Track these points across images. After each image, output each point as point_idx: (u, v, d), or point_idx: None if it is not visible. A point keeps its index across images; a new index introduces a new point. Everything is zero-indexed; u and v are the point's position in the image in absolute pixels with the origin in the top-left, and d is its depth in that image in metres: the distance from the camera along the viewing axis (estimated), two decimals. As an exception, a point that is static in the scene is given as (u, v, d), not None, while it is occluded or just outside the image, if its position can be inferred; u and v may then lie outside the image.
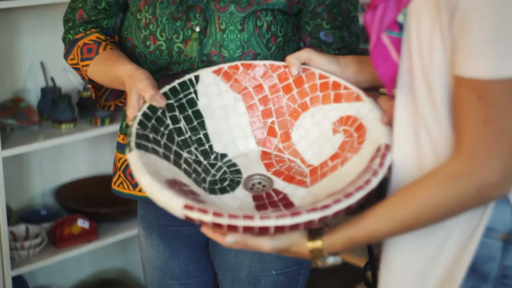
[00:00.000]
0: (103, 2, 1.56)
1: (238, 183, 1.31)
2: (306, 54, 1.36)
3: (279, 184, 1.31)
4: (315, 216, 1.08)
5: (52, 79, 2.56)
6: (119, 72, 1.42)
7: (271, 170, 1.34)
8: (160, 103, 1.30)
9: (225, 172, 1.33)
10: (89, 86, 1.59)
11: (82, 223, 2.51)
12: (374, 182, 1.14)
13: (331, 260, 1.17)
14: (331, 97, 1.34)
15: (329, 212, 1.09)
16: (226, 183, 1.30)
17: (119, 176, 1.62)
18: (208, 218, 1.08)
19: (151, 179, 1.13)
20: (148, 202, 1.61)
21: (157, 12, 1.47)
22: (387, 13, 1.13)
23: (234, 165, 1.35)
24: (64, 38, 1.62)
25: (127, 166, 1.58)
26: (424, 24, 1.08)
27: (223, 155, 1.36)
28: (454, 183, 1.07)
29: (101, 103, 1.64)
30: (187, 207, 1.10)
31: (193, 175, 1.29)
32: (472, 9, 1.02)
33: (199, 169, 1.31)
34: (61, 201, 2.67)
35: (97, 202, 2.67)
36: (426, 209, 1.09)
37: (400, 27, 1.13)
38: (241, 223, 1.07)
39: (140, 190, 1.58)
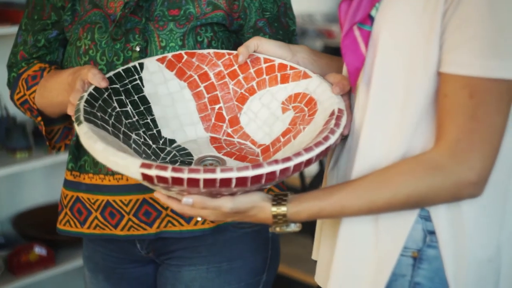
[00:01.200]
0: (42, 40, 1.56)
1: (189, 164, 1.30)
2: (255, 41, 1.36)
3: (232, 163, 1.30)
4: (277, 167, 1.07)
5: (5, 108, 2.57)
6: (63, 76, 1.43)
7: (221, 152, 1.34)
8: (101, 83, 1.29)
9: (175, 155, 1.33)
10: (40, 123, 1.57)
11: (39, 250, 2.51)
12: (332, 139, 1.14)
13: (291, 227, 1.16)
14: (278, 78, 1.36)
15: (290, 164, 1.08)
16: (177, 165, 1.27)
17: (66, 213, 1.57)
18: (168, 173, 1.05)
19: (105, 144, 1.11)
20: (95, 242, 1.61)
21: (96, 37, 1.48)
22: (362, 6, 1.15)
23: (184, 149, 1.35)
24: (8, 81, 1.61)
25: (75, 202, 1.55)
26: (404, 19, 1.11)
27: (172, 141, 1.36)
28: (432, 174, 1.08)
29: (51, 144, 1.63)
30: (144, 165, 1.07)
31: (143, 156, 1.28)
32: (472, 9, 1.04)
33: (149, 151, 1.31)
34: (18, 229, 2.66)
35: (55, 229, 2.66)
36: (400, 195, 1.10)
37: (372, 21, 1.16)
38: (202, 176, 1.05)
39: (88, 227, 1.54)
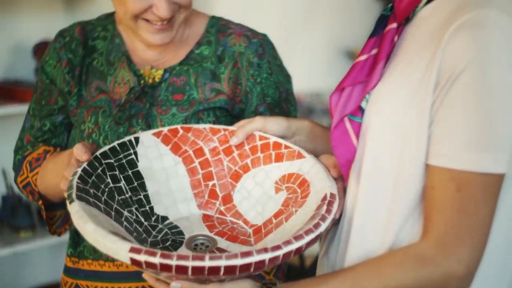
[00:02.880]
0: (48, 124, 1.57)
1: (180, 243, 1.29)
2: (257, 125, 1.36)
3: (223, 243, 1.29)
4: (266, 256, 1.06)
5: (11, 186, 2.57)
6: (63, 157, 1.43)
7: (213, 231, 1.32)
8: (82, 157, 1.28)
9: (166, 233, 1.31)
10: (41, 207, 1.56)
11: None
12: (323, 226, 1.13)
13: None
14: (272, 157, 1.35)
15: (279, 252, 1.07)
16: (168, 243, 1.28)
17: None
18: (156, 259, 1.04)
19: (95, 225, 1.11)
20: None
21: (100, 121, 1.49)
22: (352, 98, 1.17)
23: (176, 227, 1.33)
24: (13, 164, 1.61)
25: None
26: (393, 111, 1.12)
27: (164, 218, 1.35)
28: (421, 267, 1.07)
29: (51, 229, 1.62)
30: (133, 250, 1.06)
31: (135, 234, 1.27)
32: (458, 101, 1.05)
33: (140, 229, 1.30)
34: (21, 309, 2.64)
35: (58, 309, 2.63)
36: (389, 286, 1.08)
37: (363, 112, 1.16)
38: (190, 263, 1.04)
39: None
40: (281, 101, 1.54)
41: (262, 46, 1.54)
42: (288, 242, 1.09)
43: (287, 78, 1.58)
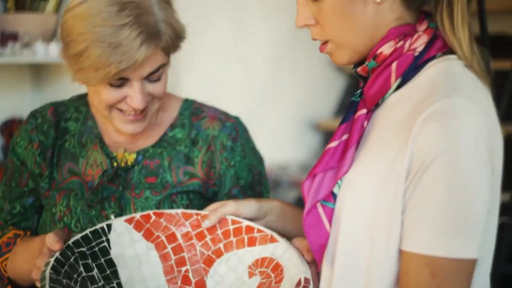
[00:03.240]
0: (18, 207, 1.56)
1: None
2: (229, 209, 1.36)
3: None
4: None
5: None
6: (34, 243, 1.41)
7: None
8: (55, 246, 1.27)
9: None
10: None
11: None
12: None
13: None
14: (245, 241, 1.35)
15: None
16: None
17: None
18: None
19: None
20: None
21: (71, 204, 1.48)
22: (324, 183, 1.18)
23: None
24: None
25: None
26: (366, 197, 1.13)
27: None
28: None
29: None
30: None
31: None
32: (431, 188, 1.07)
33: None
34: None
35: None
36: None
37: (335, 198, 1.17)
38: None
39: None
40: (254, 183, 1.56)
41: (236, 129, 1.56)
42: None
43: (260, 160, 1.60)
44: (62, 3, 2.50)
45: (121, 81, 1.42)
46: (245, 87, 3.30)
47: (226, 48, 3.22)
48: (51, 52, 2.38)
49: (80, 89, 2.46)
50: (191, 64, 2.94)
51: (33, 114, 1.60)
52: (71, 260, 1.29)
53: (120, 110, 1.46)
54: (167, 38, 1.43)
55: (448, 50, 1.16)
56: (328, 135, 3.63)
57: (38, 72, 2.70)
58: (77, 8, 1.42)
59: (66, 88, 2.54)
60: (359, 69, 1.20)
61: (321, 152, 3.66)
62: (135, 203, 1.47)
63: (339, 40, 1.18)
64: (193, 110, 1.58)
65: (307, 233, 1.19)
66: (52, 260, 1.26)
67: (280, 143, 3.49)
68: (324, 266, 1.20)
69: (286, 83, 3.48)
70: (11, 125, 2.62)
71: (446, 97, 1.08)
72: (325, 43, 1.20)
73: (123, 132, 1.50)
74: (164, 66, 1.46)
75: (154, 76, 1.45)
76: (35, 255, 1.38)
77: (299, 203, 3.43)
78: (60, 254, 1.28)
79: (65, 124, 1.57)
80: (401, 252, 1.11)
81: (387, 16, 1.16)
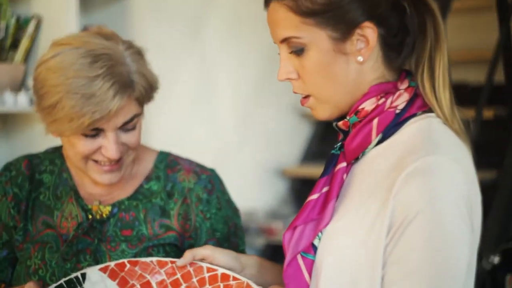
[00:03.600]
0: None
1: None
2: (205, 252, 1.36)
3: None
4: None
5: None
6: None
7: None
8: None
9: None
10: None
11: None
12: None
13: None
14: None
15: None
16: None
17: None
18: None
19: None
20: None
21: (46, 257, 1.47)
22: (305, 235, 1.18)
23: None
24: None
25: None
26: (346, 251, 1.14)
27: None
28: None
29: None
30: None
31: None
32: (410, 246, 1.08)
33: None
34: None
35: None
36: None
37: (315, 250, 1.18)
38: None
39: None
40: (229, 235, 1.57)
41: (211, 181, 1.57)
42: None
43: (235, 212, 1.61)
44: (30, 53, 2.51)
45: (95, 131, 1.43)
46: (212, 135, 3.32)
47: (192, 98, 3.25)
48: (19, 101, 2.37)
49: (48, 139, 2.45)
50: (158, 113, 2.95)
51: (7, 167, 1.59)
52: None
53: (96, 161, 1.47)
54: (140, 88, 1.45)
55: (428, 108, 1.18)
56: (294, 182, 3.65)
57: (5, 121, 2.69)
58: (50, 61, 1.44)
59: (34, 138, 2.54)
60: (340, 123, 1.22)
61: (287, 199, 3.69)
62: (111, 256, 1.47)
63: (320, 96, 1.20)
64: (168, 163, 1.59)
65: (287, 285, 1.19)
66: None
67: (247, 190, 3.51)
68: None
69: (252, 131, 3.51)
70: (-22, 175, 2.58)
71: (427, 155, 1.10)
72: (306, 97, 1.22)
73: (99, 183, 1.50)
74: (138, 116, 1.47)
75: (129, 125, 1.46)
76: None
77: (267, 249, 3.46)
78: None
79: (40, 176, 1.57)
80: None
81: (368, 75, 1.18)
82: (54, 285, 1.34)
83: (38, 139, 2.50)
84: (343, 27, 1.15)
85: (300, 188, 3.63)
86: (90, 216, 1.51)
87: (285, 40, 1.19)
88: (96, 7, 2.66)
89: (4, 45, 2.46)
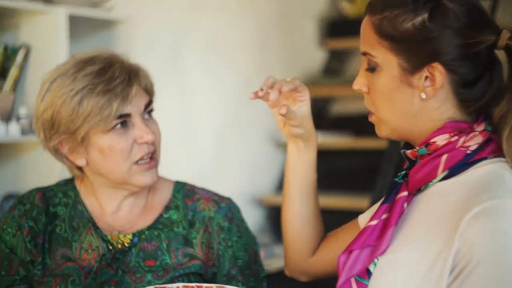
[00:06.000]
0: None
1: None
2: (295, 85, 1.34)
3: None
4: None
5: None
6: None
7: None
8: None
9: None
10: None
11: None
12: None
13: None
14: None
15: None
16: None
17: None
18: None
19: None
20: None
21: None
22: (360, 260, 1.19)
23: None
24: None
25: None
26: (404, 282, 1.14)
27: None
28: None
29: None
30: None
31: None
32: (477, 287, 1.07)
33: None
34: None
35: None
36: None
37: (369, 275, 1.18)
38: None
39: None
40: (250, 263, 1.57)
41: (231, 210, 1.58)
42: None
43: (254, 239, 1.61)
44: (19, 82, 2.47)
45: (123, 123, 1.47)
46: (188, 164, 3.32)
47: (170, 127, 3.24)
48: (10, 131, 2.34)
49: (39, 169, 2.43)
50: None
51: (20, 201, 1.56)
52: None
53: (136, 163, 1.48)
54: (144, 79, 1.53)
55: (500, 154, 1.18)
56: (271, 210, 3.66)
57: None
58: (51, 87, 1.49)
59: (22, 168, 2.49)
60: (408, 151, 1.23)
61: (265, 227, 3.67)
62: (137, 287, 1.45)
63: (380, 115, 1.23)
64: (186, 192, 1.59)
65: None
66: None
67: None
68: None
69: (230, 160, 3.51)
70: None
71: (497, 198, 1.10)
72: (372, 113, 1.25)
73: (140, 186, 1.51)
74: (152, 102, 1.55)
75: (150, 108, 1.53)
76: None
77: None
78: None
79: (54, 209, 1.55)
80: None
81: (433, 113, 1.19)
82: None
83: (28, 169, 2.46)
84: (414, 61, 1.17)
85: (277, 217, 3.61)
86: (111, 247, 1.50)
87: (364, 54, 1.22)
88: (83, 35, 2.65)
89: (-8, 75, 2.43)
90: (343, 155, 3.65)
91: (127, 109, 1.47)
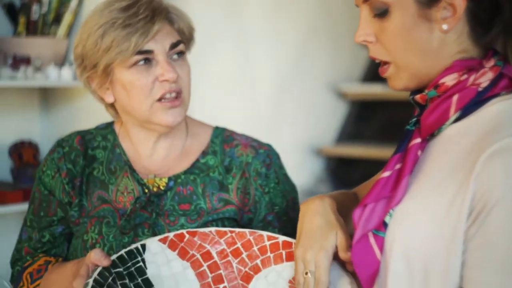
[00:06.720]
0: (47, 235, 1.54)
1: None
2: None
3: None
4: None
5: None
6: (67, 267, 1.40)
7: None
8: (103, 262, 1.26)
9: None
10: None
11: None
12: None
13: None
14: (283, 256, 1.35)
15: None
16: None
17: None
18: None
19: None
20: None
21: (103, 231, 1.47)
22: (375, 213, 1.15)
23: None
24: (11, 275, 1.56)
25: None
26: (422, 228, 1.10)
27: None
28: None
29: None
30: None
31: None
32: (496, 229, 1.04)
33: None
34: None
35: None
36: None
37: (386, 227, 1.15)
38: None
39: None
40: (288, 209, 1.55)
41: (269, 156, 1.55)
42: None
43: (293, 187, 1.59)
44: (73, 27, 2.49)
45: (145, 59, 1.45)
46: (248, 114, 3.30)
47: (230, 76, 3.22)
48: (63, 76, 2.36)
49: (90, 114, 2.45)
50: (196, 90, 2.93)
51: (60, 143, 1.58)
52: (109, 280, 1.28)
53: (159, 100, 1.46)
54: (179, 21, 1.50)
55: None
56: (330, 161, 3.63)
57: (47, 95, 2.68)
58: (87, 18, 1.51)
59: (75, 112, 2.53)
60: (417, 96, 1.18)
61: (323, 178, 3.64)
62: (170, 230, 1.45)
63: (400, 61, 1.16)
64: (224, 138, 1.57)
65: (356, 263, 1.16)
66: (90, 281, 1.25)
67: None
68: None
69: (289, 110, 3.48)
70: (20, 147, 2.62)
71: (510, 136, 1.05)
72: (384, 65, 1.18)
73: (165, 125, 1.48)
74: (182, 43, 1.50)
75: (177, 49, 1.48)
76: (69, 279, 1.37)
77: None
78: (98, 275, 1.27)
79: (93, 152, 1.56)
80: None
81: (451, 47, 1.14)
82: (115, 255, 1.33)
83: (78, 113, 2.49)
84: None
85: (336, 168, 3.60)
86: (146, 190, 1.49)
87: (368, 0, 1.15)
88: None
89: (47, 20, 2.45)
90: (402, 107, 3.57)
91: (148, 46, 1.45)
